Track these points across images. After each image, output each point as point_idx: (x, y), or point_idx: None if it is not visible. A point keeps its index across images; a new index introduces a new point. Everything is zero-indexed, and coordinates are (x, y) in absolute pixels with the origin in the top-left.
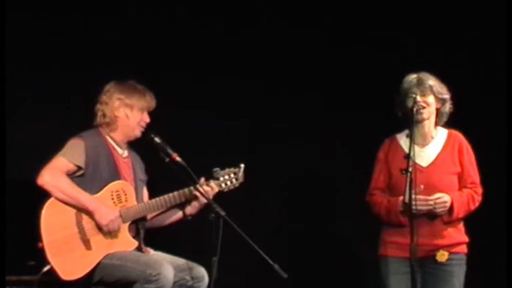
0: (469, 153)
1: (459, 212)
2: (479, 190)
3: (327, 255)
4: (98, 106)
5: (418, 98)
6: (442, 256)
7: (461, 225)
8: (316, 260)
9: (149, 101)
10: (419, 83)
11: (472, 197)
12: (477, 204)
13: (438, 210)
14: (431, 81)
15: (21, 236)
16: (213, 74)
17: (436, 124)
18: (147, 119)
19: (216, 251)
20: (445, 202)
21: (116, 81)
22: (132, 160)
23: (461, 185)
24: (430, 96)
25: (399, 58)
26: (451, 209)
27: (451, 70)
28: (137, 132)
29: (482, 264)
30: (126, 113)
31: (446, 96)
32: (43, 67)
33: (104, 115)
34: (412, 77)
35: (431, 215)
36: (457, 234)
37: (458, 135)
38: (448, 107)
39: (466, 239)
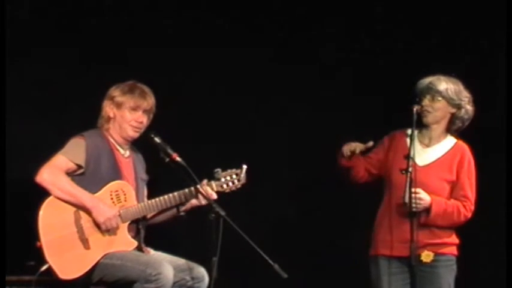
0: (470, 167)
1: (437, 217)
2: (470, 206)
3: (328, 255)
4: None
5: (425, 102)
6: (427, 256)
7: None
8: (316, 259)
9: (138, 99)
10: (430, 87)
11: (459, 209)
12: (463, 219)
13: (413, 205)
14: (445, 85)
15: (21, 236)
16: (213, 74)
17: (448, 129)
18: (140, 119)
19: (216, 251)
20: (421, 199)
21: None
22: (133, 160)
23: (452, 196)
24: (440, 101)
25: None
26: (429, 212)
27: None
28: (130, 133)
29: (480, 267)
30: (114, 112)
31: (462, 102)
32: (43, 67)
33: (102, 117)
34: (426, 80)
35: (411, 213)
36: (444, 234)
37: (464, 147)
38: (463, 113)
39: (454, 240)
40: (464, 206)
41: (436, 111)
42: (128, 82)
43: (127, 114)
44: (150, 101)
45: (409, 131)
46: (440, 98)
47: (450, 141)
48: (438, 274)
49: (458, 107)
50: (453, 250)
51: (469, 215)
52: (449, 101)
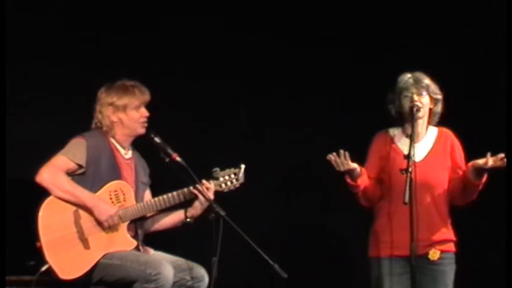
0: (460, 150)
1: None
2: None
3: (328, 255)
4: (94, 114)
5: (415, 97)
6: (434, 254)
7: (450, 223)
8: (317, 259)
9: (140, 96)
10: (416, 82)
11: None
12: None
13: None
14: (427, 80)
15: (21, 236)
16: (211, 74)
17: (428, 124)
18: (146, 113)
19: (216, 251)
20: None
21: (106, 86)
22: (135, 162)
23: (452, 177)
24: (426, 96)
25: (394, 58)
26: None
27: (448, 70)
28: (139, 130)
29: (477, 264)
30: (120, 117)
31: (440, 96)
32: (43, 66)
33: (100, 123)
34: (408, 76)
35: (429, 208)
36: (448, 231)
37: (449, 132)
38: (440, 107)
39: (454, 237)
40: None
41: (424, 106)
42: (117, 83)
43: (134, 113)
44: (148, 94)
45: (391, 129)
46: (425, 93)
47: (433, 130)
48: (444, 272)
49: (436, 102)
50: (453, 247)
51: None
52: (431, 95)
